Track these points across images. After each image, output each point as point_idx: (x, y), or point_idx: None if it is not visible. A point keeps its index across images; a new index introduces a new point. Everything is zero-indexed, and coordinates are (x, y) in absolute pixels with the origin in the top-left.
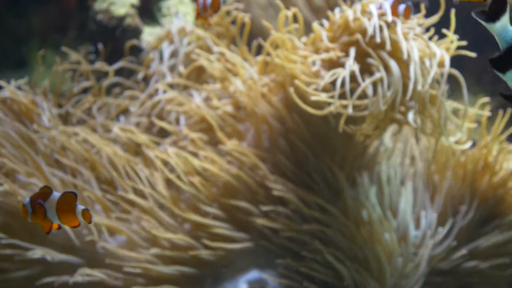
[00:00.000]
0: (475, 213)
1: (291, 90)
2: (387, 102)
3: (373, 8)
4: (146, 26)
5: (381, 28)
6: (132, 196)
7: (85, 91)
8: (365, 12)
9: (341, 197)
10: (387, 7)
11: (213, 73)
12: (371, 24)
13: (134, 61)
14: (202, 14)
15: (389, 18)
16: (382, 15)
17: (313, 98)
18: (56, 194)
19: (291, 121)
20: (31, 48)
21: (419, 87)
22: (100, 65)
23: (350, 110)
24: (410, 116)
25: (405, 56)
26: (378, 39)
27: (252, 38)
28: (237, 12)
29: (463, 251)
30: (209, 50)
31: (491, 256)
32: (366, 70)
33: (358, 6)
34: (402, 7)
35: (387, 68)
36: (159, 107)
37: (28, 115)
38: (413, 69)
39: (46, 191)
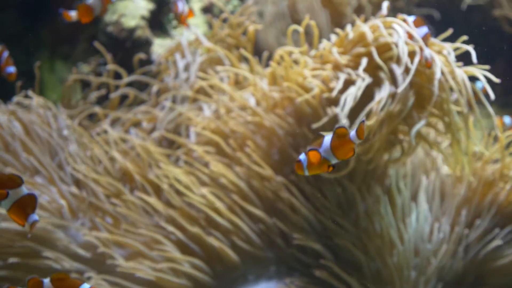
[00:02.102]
0: (489, 225)
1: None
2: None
3: (399, 29)
4: (156, 38)
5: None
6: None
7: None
8: (389, 29)
9: (353, 209)
10: (416, 34)
11: (223, 88)
12: (400, 47)
13: (147, 73)
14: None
15: (426, 51)
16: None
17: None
18: (24, 190)
19: (300, 134)
20: (41, 60)
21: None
22: (109, 79)
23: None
24: (413, 132)
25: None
26: (405, 58)
27: (258, 51)
28: (249, 23)
29: (476, 261)
30: (219, 61)
31: (503, 267)
32: (377, 83)
33: (378, 23)
34: (422, 31)
35: (395, 81)
36: (172, 122)
37: (47, 126)
38: (437, 85)
39: (15, 180)
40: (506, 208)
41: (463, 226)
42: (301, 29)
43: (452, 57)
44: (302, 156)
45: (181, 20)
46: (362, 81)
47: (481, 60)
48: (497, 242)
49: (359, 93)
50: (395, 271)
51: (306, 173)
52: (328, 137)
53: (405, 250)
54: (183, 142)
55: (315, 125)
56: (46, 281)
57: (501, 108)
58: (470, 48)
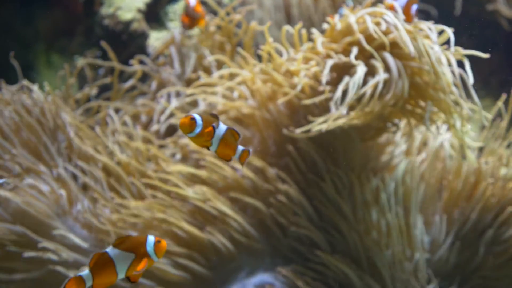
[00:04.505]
0: (484, 218)
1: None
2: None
3: (388, 18)
4: (152, 31)
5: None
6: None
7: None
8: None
9: (350, 200)
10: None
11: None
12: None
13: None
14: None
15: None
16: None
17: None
18: None
19: (296, 126)
20: (38, 53)
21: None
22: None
23: (344, 111)
24: (426, 116)
25: (412, 53)
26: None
27: (256, 43)
28: (239, 17)
29: (471, 252)
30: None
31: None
32: (371, 72)
33: (364, 13)
34: (414, 8)
35: (387, 69)
36: (168, 116)
37: (50, 118)
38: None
39: None
40: (500, 202)
41: (459, 219)
42: (293, 30)
43: (434, 36)
44: (198, 119)
45: (196, 22)
46: (358, 68)
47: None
48: (491, 234)
49: (361, 81)
50: (392, 262)
51: (191, 135)
52: (223, 128)
53: (401, 242)
54: (177, 140)
55: (311, 118)
56: (109, 249)
57: (497, 100)
58: (449, 30)
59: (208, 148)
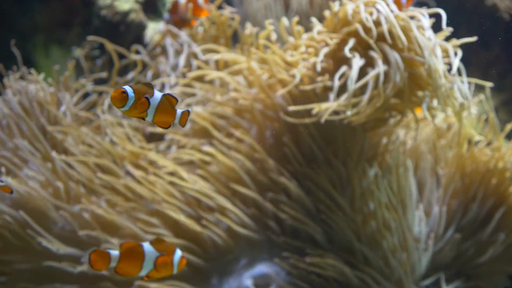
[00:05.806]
0: (482, 209)
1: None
2: (384, 94)
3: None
4: (150, 22)
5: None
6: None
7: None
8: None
9: (347, 191)
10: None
11: (215, 75)
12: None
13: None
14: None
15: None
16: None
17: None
18: None
19: (295, 117)
20: (36, 45)
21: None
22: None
23: (349, 113)
24: (424, 107)
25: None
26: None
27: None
28: (231, 14)
29: (467, 244)
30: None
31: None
32: (370, 64)
33: (360, 2)
34: None
35: (386, 61)
36: None
37: (50, 108)
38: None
39: None
40: (497, 192)
41: (458, 210)
42: (287, 22)
43: (427, 22)
44: (130, 92)
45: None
46: (353, 62)
47: (476, 45)
48: (490, 227)
49: (357, 74)
50: (389, 254)
51: (123, 109)
52: (158, 96)
53: (399, 232)
54: (174, 130)
55: (315, 110)
56: (146, 244)
57: (496, 91)
58: (442, 12)
59: (143, 119)
